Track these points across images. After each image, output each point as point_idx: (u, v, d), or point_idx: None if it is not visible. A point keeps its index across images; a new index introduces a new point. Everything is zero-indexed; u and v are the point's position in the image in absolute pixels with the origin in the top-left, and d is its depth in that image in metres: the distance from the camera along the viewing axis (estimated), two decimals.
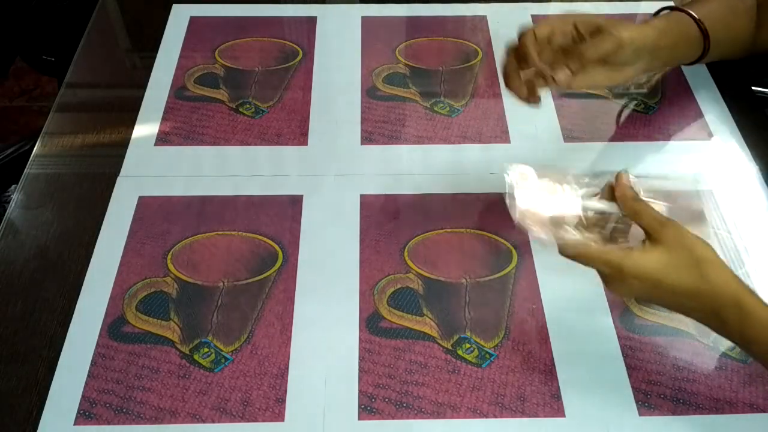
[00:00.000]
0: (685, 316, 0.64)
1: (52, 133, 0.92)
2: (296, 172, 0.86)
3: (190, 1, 1.11)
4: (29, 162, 0.88)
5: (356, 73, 0.99)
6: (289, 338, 0.70)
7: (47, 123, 0.93)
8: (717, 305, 0.61)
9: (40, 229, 0.80)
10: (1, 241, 0.79)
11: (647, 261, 0.62)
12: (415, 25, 1.08)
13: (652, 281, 0.62)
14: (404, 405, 0.66)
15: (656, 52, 0.77)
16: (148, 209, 0.82)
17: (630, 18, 1.08)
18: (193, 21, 1.08)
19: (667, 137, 0.90)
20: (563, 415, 0.65)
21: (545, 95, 0.75)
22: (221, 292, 0.74)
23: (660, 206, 0.67)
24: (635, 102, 0.94)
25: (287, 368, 0.68)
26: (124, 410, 0.65)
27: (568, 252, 0.65)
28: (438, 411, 0.65)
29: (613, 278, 0.63)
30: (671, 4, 1.09)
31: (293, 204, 0.82)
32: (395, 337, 0.71)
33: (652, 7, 1.10)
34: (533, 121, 0.91)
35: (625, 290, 0.65)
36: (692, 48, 0.84)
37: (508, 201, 0.66)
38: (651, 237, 0.63)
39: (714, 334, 0.70)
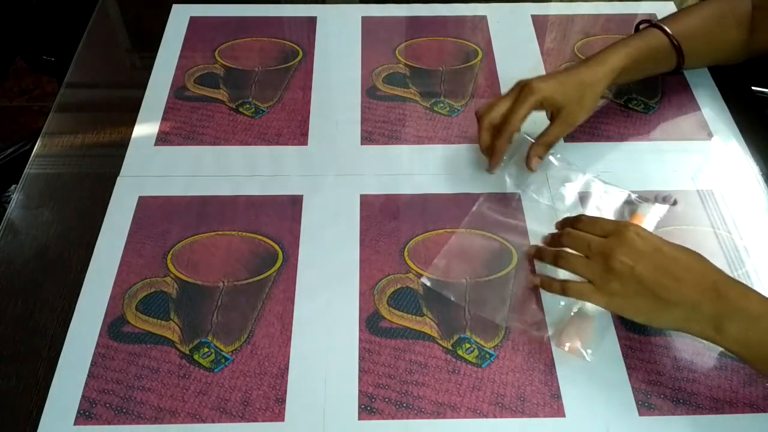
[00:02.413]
0: (674, 305, 0.63)
1: (52, 133, 0.92)
2: (296, 172, 0.86)
3: (190, 1, 1.11)
4: (29, 162, 0.88)
5: (356, 73, 0.99)
6: (289, 338, 0.70)
7: (47, 123, 0.93)
8: (715, 278, 0.63)
9: (40, 229, 0.80)
10: (1, 241, 0.79)
11: (649, 233, 0.67)
12: (415, 25, 1.07)
13: (654, 242, 0.65)
14: (404, 405, 0.66)
15: (621, 76, 0.82)
16: (148, 209, 0.82)
17: (629, 19, 1.08)
18: (193, 21, 1.08)
19: (667, 137, 0.90)
20: (563, 415, 0.65)
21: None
22: (221, 292, 0.74)
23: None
24: (635, 102, 0.94)
25: (287, 368, 0.68)
26: (124, 410, 0.65)
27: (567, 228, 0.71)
28: (438, 411, 0.65)
29: (614, 241, 0.66)
30: (670, 3, 1.10)
31: (293, 204, 0.82)
32: (395, 337, 0.71)
33: (651, 8, 1.10)
34: (533, 121, 0.91)
35: (625, 252, 0.64)
36: (662, 63, 0.88)
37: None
38: None
39: None
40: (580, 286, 0.67)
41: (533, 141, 0.83)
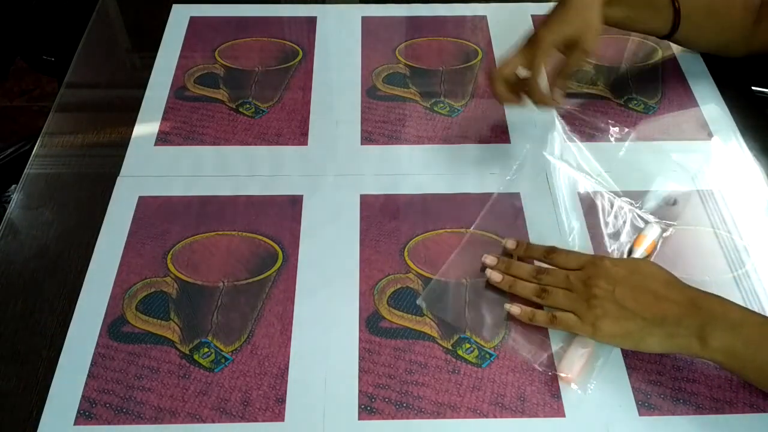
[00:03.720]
0: (658, 323, 0.64)
1: (52, 133, 0.92)
2: (296, 172, 0.86)
3: (190, 1, 1.11)
4: (29, 162, 0.88)
5: (356, 73, 0.99)
6: (289, 338, 0.70)
7: (47, 123, 0.93)
8: (694, 295, 0.65)
9: (40, 229, 0.81)
10: (1, 241, 0.79)
11: (623, 258, 0.71)
12: (415, 25, 1.08)
13: (630, 266, 0.68)
14: (404, 405, 0.66)
15: (613, 8, 0.81)
16: (148, 209, 0.82)
17: None
18: (193, 21, 1.08)
19: (667, 137, 0.90)
20: (563, 415, 0.65)
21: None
22: (221, 292, 0.74)
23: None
24: (635, 102, 0.94)
25: (287, 368, 0.68)
26: (124, 410, 0.65)
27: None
28: (438, 411, 0.65)
29: (591, 270, 0.68)
30: None
31: (293, 204, 0.82)
32: (395, 337, 0.71)
33: None
34: (534, 121, 0.91)
35: (603, 279, 0.66)
36: (656, 16, 0.86)
37: None
38: None
39: None
40: (566, 317, 0.68)
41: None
